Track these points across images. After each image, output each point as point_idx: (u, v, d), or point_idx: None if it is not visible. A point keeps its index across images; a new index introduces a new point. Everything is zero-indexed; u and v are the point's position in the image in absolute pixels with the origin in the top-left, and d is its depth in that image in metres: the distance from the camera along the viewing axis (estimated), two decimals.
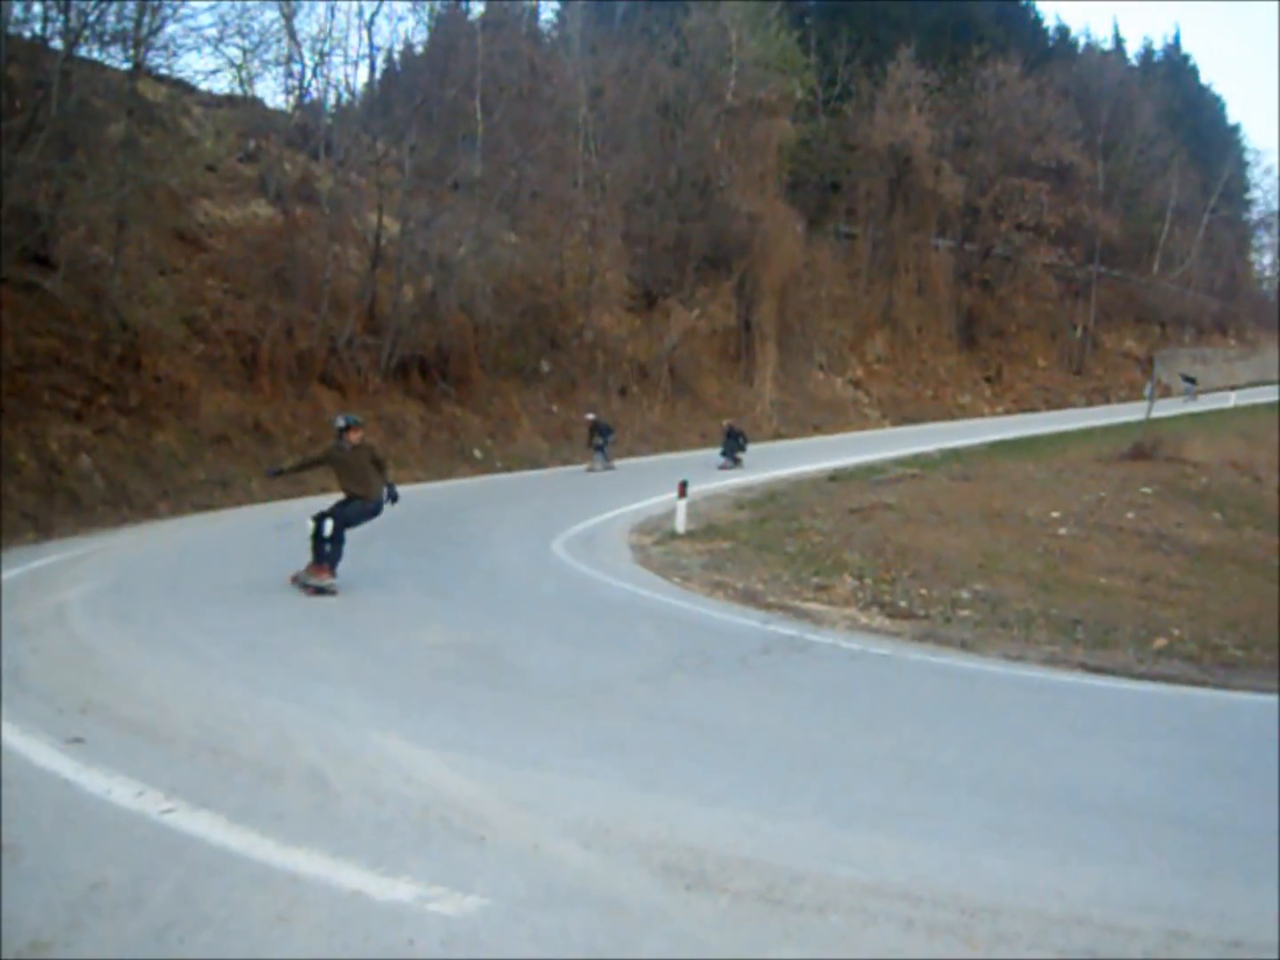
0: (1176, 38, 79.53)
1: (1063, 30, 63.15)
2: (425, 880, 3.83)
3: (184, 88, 23.93)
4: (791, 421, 34.88)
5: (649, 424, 30.17)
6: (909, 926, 3.60)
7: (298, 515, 15.83)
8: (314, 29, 58.03)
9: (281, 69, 27.45)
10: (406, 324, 24.03)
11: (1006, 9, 55.32)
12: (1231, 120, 71.94)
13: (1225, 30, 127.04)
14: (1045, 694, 7.70)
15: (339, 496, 10.52)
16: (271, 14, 25.29)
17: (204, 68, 43.65)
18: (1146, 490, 19.22)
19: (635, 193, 33.40)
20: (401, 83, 33.90)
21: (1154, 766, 5.67)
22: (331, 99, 30.36)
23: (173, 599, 9.60)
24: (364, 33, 40.71)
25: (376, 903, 3.68)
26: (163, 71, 21.24)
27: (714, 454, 24.67)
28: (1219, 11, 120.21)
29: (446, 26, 33.50)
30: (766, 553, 13.51)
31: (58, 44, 17.24)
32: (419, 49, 36.74)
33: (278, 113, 28.01)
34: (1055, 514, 16.52)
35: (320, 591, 9.72)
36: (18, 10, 17.12)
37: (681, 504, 15.44)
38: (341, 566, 10.09)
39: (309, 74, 27.96)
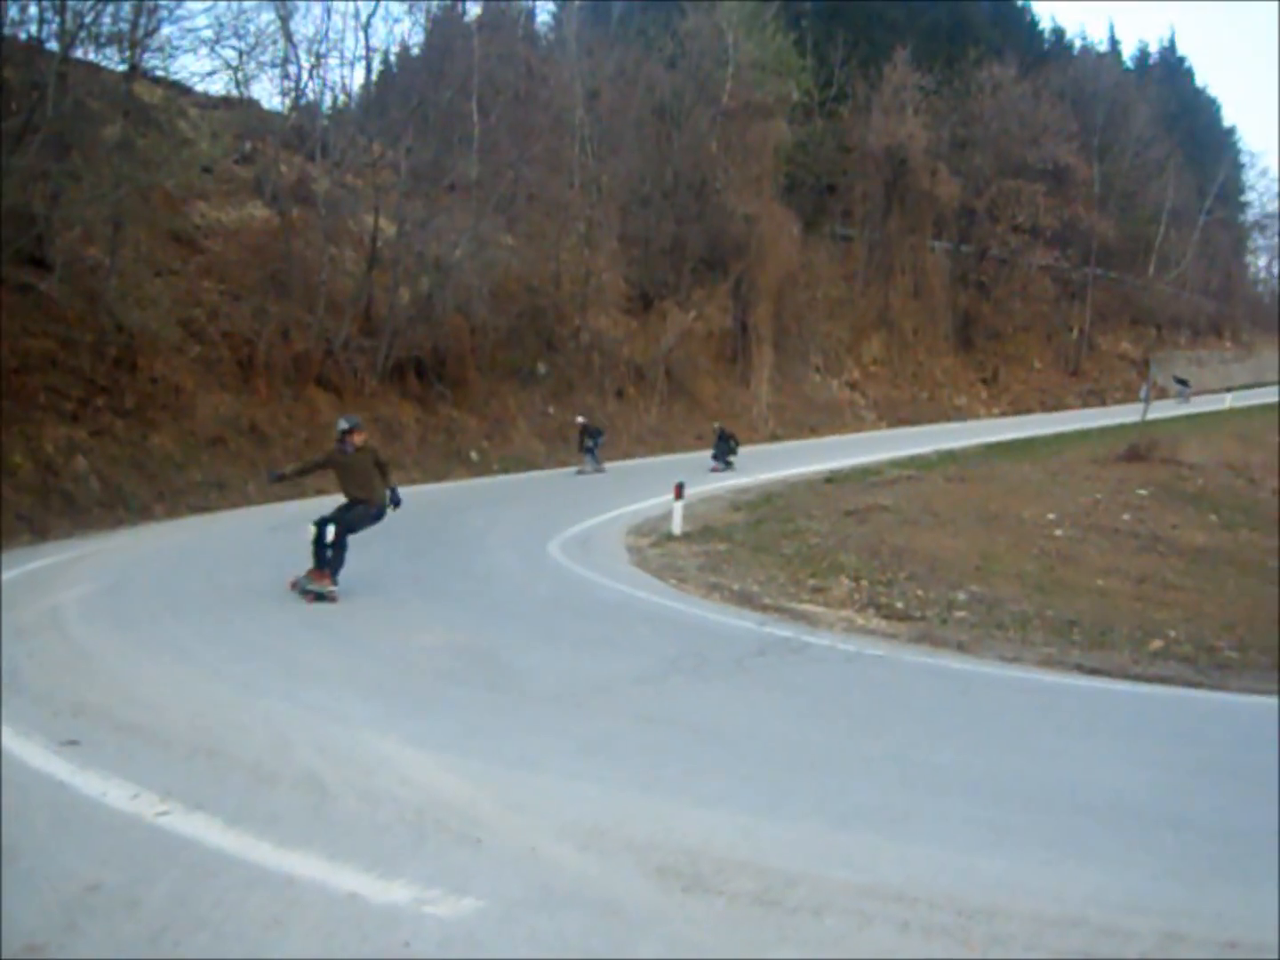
0: (1172, 40, 79.71)
1: (1058, 32, 63.45)
2: (421, 882, 3.83)
3: (180, 89, 23.92)
4: (788, 423, 34.91)
5: (645, 426, 30.19)
6: (905, 928, 3.59)
7: (294, 517, 15.86)
8: (310, 30, 58.15)
9: (278, 71, 27.52)
10: (403, 326, 24.04)
11: (1002, 11, 55.53)
12: (1227, 123, 72.26)
13: (1221, 32, 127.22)
14: (1041, 695, 7.70)
15: (336, 499, 10.49)
16: (268, 15, 25.44)
17: (200, 69, 43.68)
18: (1142, 492, 19.24)
19: (631, 195, 33.43)
20: (398, 84, 33.92)
21: (1150, 768, 5.67)
22: (328, 101, 30.47)
23: (169, 601, 9.59)
24: (360, 34, 41.14)
25: (372, 905, 3.68)
26: (159, 73, 21.27)
27: (706, 456, 24.68)
28: (1214, 12, 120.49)
29: (442, 28, 33.54)
30: (763, 554, 13.51)
31: (53, 46, 17.27)
32: (415, 51, 36.79)
33: (274, 114, 28.00)
34: (1051, 516, 16.54)
35: (320, 598, 9.57)
36: (13, 12, 17.14)
37: (678, 506, 15.45)
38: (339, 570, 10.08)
39: (305, 76, 27.97)
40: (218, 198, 24.10)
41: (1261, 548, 16.29)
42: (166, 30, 19.70)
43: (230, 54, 24.23)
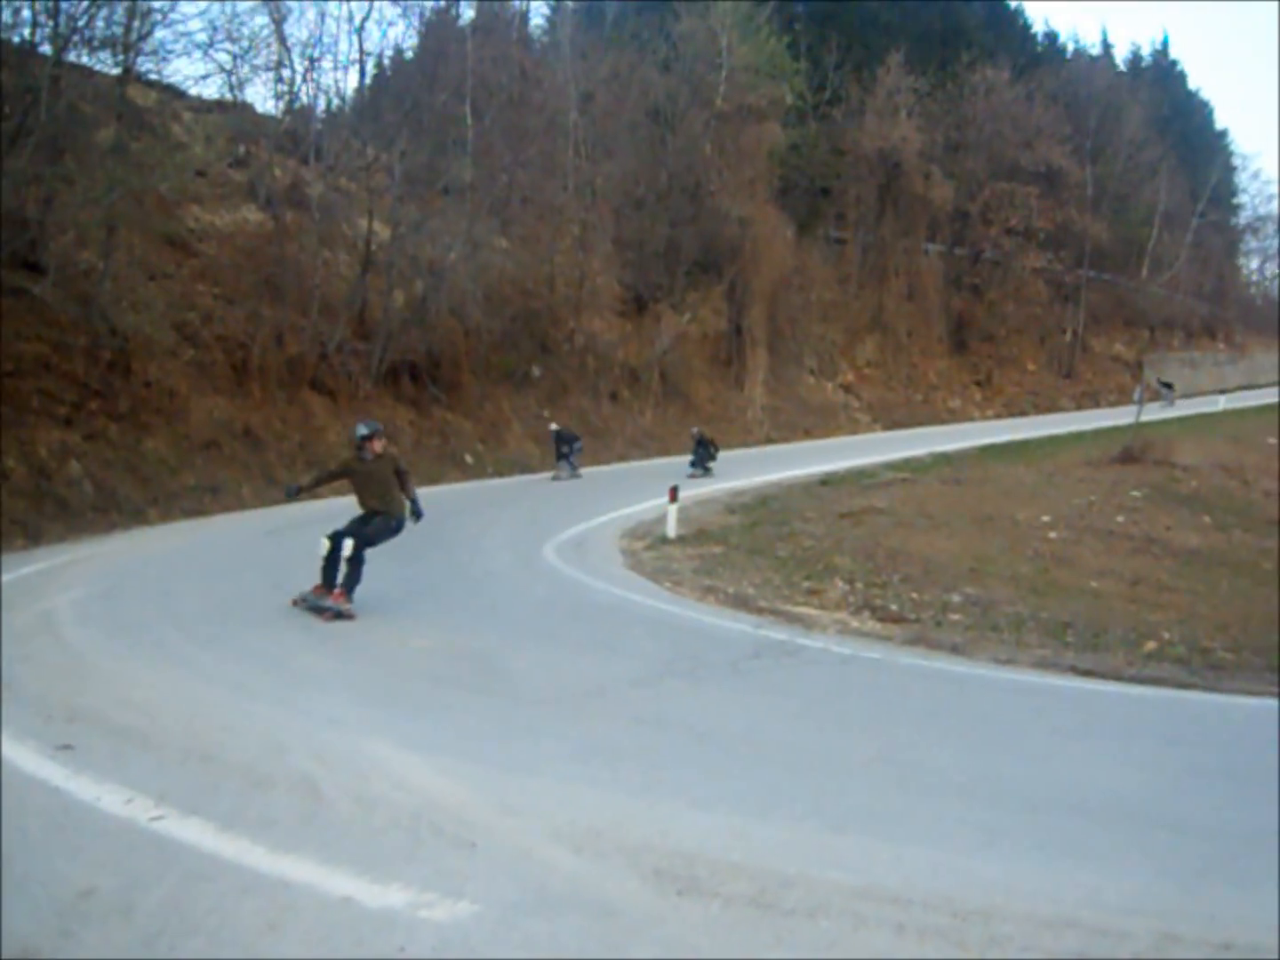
0: (1165, 42, 79.97)
1: (1051, 35, 63.55)
2: (416, 886, 3.82)
3: (174, 93, 23.93)
4: (782, 426, 34.93)
5: (640, 429, 30.20)
6: (900, 930, 3.60)
7: (290, 521, 15.87)
8: (304, 34, 57.67)
9: (271, 74, 27.38)
10: (397, 329, 24.03)
11: (995, 14, 55.59)
12: (1220, 125, 72.43)
13: (1214, 35, 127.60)
14: (1036, 697, 7.72)
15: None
16: (261, 19, 25.36)
17: (194, 73, 43.51)
18: (1136, 494, 19.28)
19: (626, 197, 33.44)
20: (391, 88, 33.89)
21: (1144, 769, 5.68)
22: (322, 104, 30.39)
23: (162, 605, 9.58)
24: (354, 38, 40.90)
25: (367, 909, 3.67)
26: (152, 77, 21.26)
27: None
28: (1207, 15, 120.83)
29: (436, 31, 33.48)
30: (758, 557, 13.51)
31: (47, 49, 17.21)
32: (409, 54, 36.73)
33: (268, 118, 27.95)
34: (1045, 518, 16.56)
35: (338, 616, 8.94)
36: (6, 15, 17.12)
37: (672, 509, 15.45)
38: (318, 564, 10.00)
39: (299, 79, 27.83)
40: (211, 201, 24.07)
41: (1255, 549, 16.33)
42: (160, 34, 19.62)
43: (224, 57, 24.29)
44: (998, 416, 42.32)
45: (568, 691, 6.98)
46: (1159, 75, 64.24)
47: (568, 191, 31.27)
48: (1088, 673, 8.42)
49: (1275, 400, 41.56)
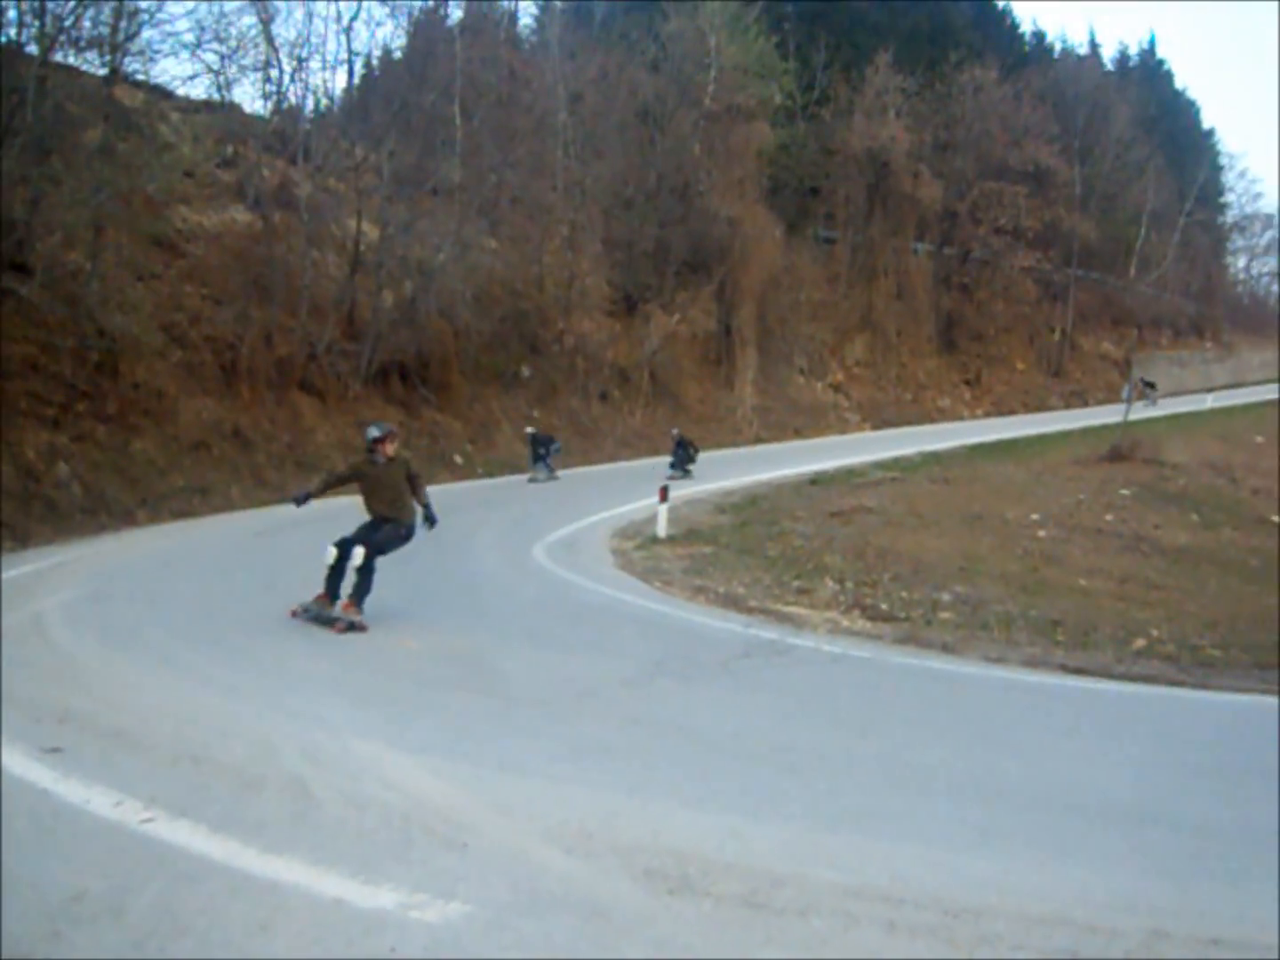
0: (1152, 42, 80.00)
1: (1039, 35, 63.74)
2: (408, 887, 3.82)
3: (161, 93, 23.79)
4: (772, 425, 34.96)
5: (630, 429, 30.19)
6: (891, 929, 3.61)
7: (279, 522, 15.84)
8: (292, 34, 57.74)
9: (259, 74, 27.29)
10: (386, 330, 23.99)
11: (983, 14, 55.66)
12: (1206, 124, 72.69)
13: (1200, 34, 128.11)
14: (1026, 695, 7.74)
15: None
16: (249, 19, 25.24)
17: (181, 73, 43.52)
18: (1125, 492, 19.37)
19: (615, 198, 33.42)
20: (380, 88, 33.79)
21: (1134, 767, 5.70)
22: (310, 104, 30.23)
23: (152, 607, 9.55)
24: (342, 38, 40.49)
25: (359, 910, 3.67)
26: (139, 77, 21.13)
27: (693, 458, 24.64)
28: (1193, 12, 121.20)
29: (425, 31, 33.42)
30: (748, 556, 13.53)
31: (33, 49, 17.14)
32: (397, 54, 36.64)
33: (256, 118, 27.85)
34: (1035, 516, 16.62)
35: (351, 628, 8.48)
36: None
37: (662, 509, 15.46)
38: (320, 572, 9.95)
39: (287, 79, 27.80)
40: (199, 202, 23.99)
41: (1243, 547, 16.42)
42: (147, 34, 19.53)
43: (212, 58, 24.06)
44: (987, 415, 42.45)
45: (559, 692, 6.98)
46: (1146, 75, 64.50)
47: (557, 192, 31.25)
48: (1077, 670, 8.45)
49: (1262, 399, 41.81)
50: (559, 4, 41.03)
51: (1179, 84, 71.91)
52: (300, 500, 9.41)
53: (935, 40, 47.34)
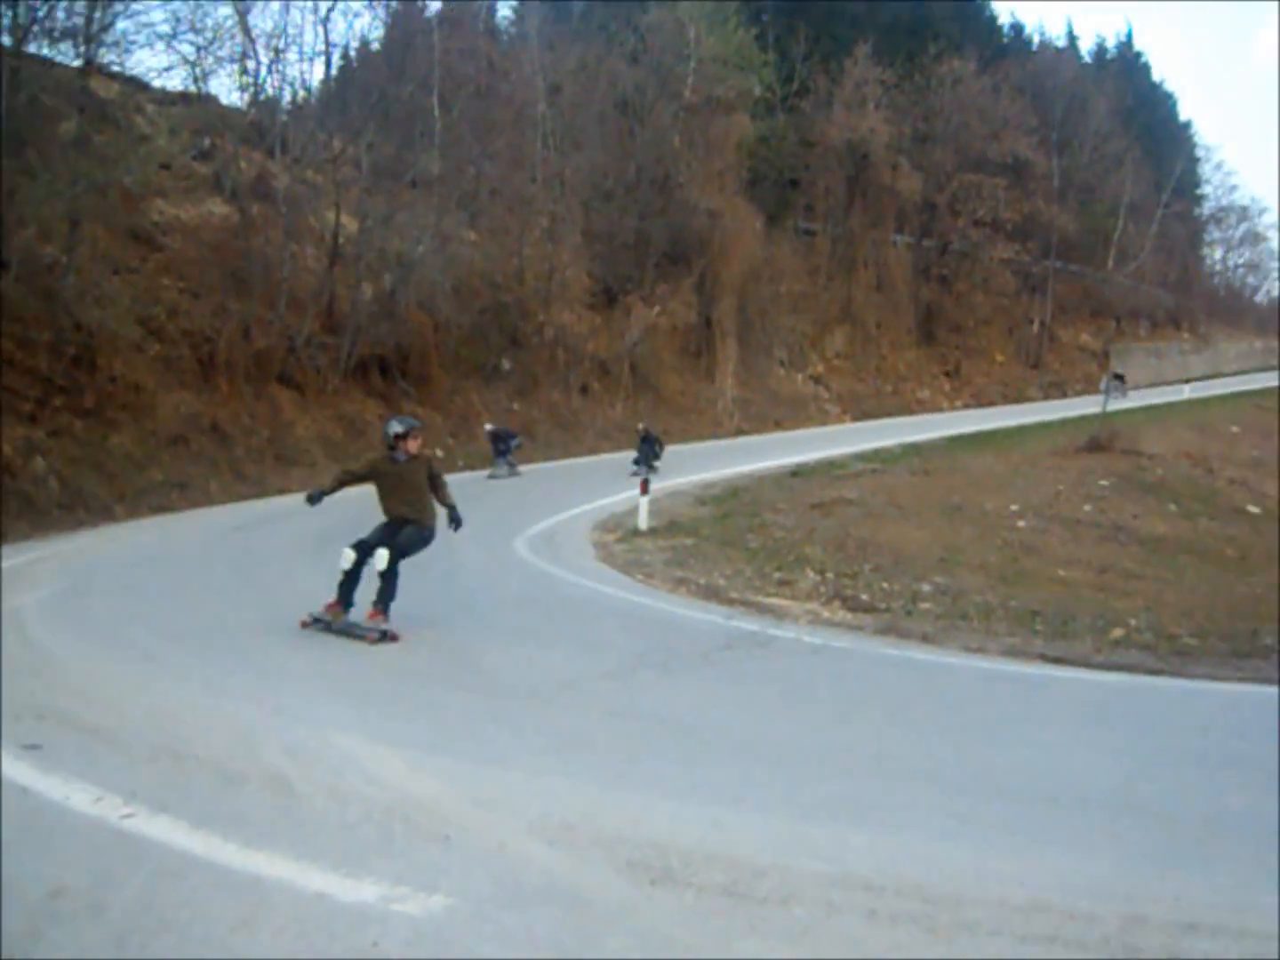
0: (1129, 35, 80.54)
1: (1017, 28, 63.91)
2: (390, 881, 3.81)
3: (137, 85, 23.62)
4: (753, 417, 35.01)
5: (611, 421, 30.17)
6: (872, 916, 3.62)
7: (258, 517, 15.80)
8: (269, 25, 57.45)
9: (236, 66, 27.16)
10: (365, 323, 23.91)
11: (962, 7, 55.73)
12: (1183, 117, 73.09)
13: (1177, 27, 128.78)
14: (1005, 685, 7.79)
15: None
16: (225, 10, 24.84)
17: (157, 64, 43.14)
18: (1103, 482, 19.49)
19: (594, 189, 33.39)
20: (358, 80, 33.59)
21: (1112, 755, 5.74)
22: (287, 96, 30.10)
23: (131, 603, 9.50)
24: (319, 29, 40.21)
25: (341, 904, 3.66)
26: (115, 68, 20.99)
27: (672, 451, 24.61)
28: (1170, 5, 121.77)
29: (403, 23, 33.25)
30: (729, 548, 13.55)
31: (6, 40, 17.02)
32: (375, 45, 36.45)
33: (233, 110, 27.72)
34: (1014, 507, 16.71)
35: (384, 637, 7.95)
36: None
37: (643, 501, 15.47)
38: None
39: (264, 71, 27.62)
40: (176, 194, 23.85)
41: (1219, 536, 16.56)
42: (122, 24, 19.41)
43: (187, 49, 23.99)
44: (966, 407, 42.61)
45: (540, 685, 6.98)
46: (1124, 67, 64.71)
47: (536, 184, 31.20)
48: (1056, 660, 8.50)
49: (1238, 389, 42.15)
50: None
51: (1156, 76, 72.40)
52: (314, 499, 8.73)
53: (914, 32, 47.43)
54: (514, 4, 46.66)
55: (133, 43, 23.74)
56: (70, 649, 7.61)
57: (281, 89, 29.56)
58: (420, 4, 35.64)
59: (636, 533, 14.88)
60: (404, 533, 8.38)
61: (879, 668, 8.17)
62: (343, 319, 23.86)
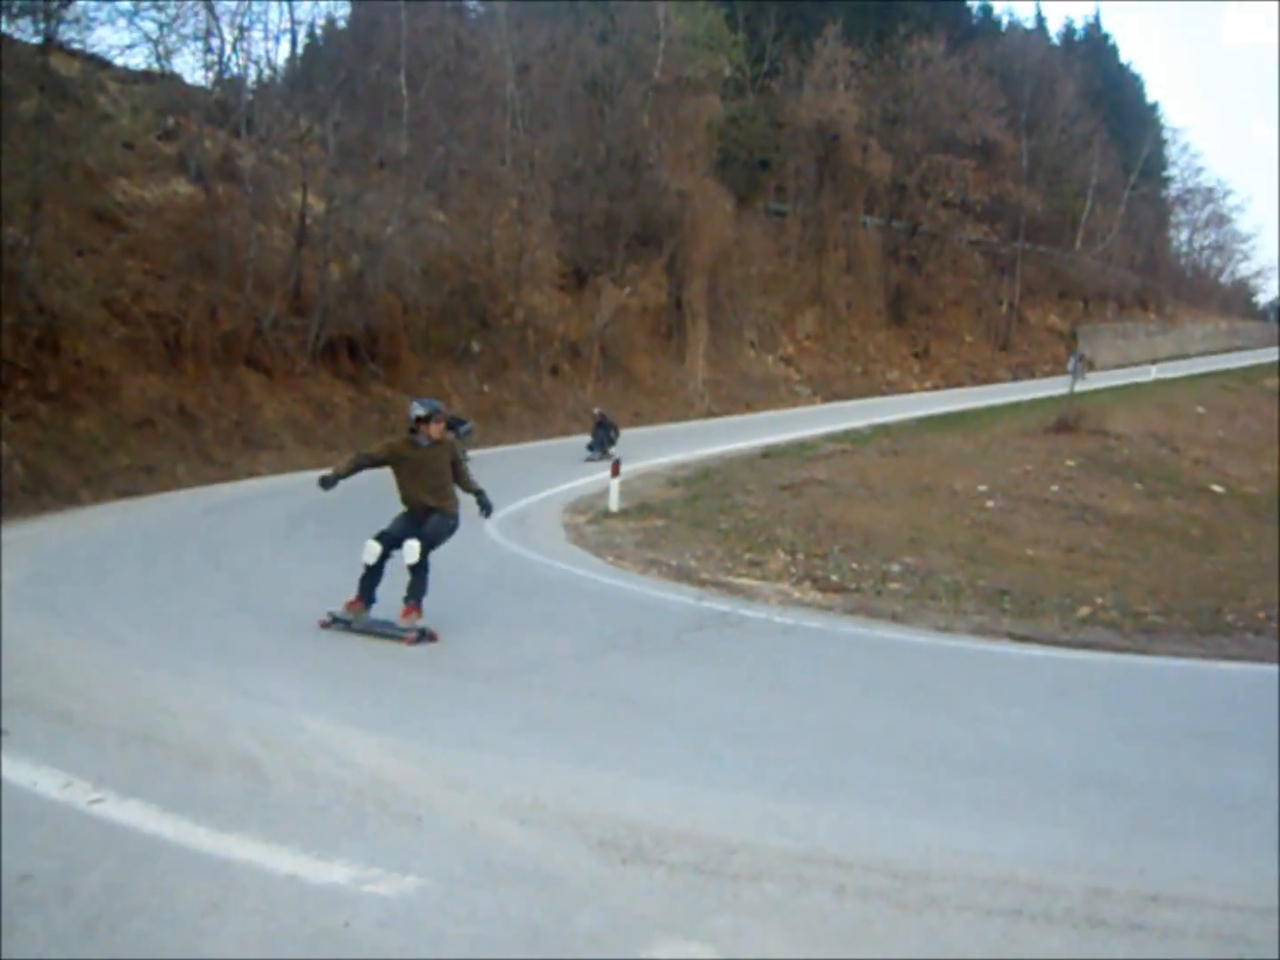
0: (1097, 17, 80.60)
1: (986, 9, 63.92)
2: (362, 862, 3.82)
3: (98, 63, 23.23)
4: (724, 399, 35.05)
5: (581, 403, 30.11)
6: (841, 892, 3.66)
7: (227, 500, 15.67)
8: (232, 2, 56.58)
9: (200, 44, 26.80)
10: (333, 304, 23.72)
11: None
12: (1150, 99, 73.50)
13: (1144, 9, 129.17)
14: (973, 663, 7.87)
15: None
16: None
17: (119, 42, 42.48)
18: (1071, 463, 19.64)
19: (564, 170, 33.25)
20: (324, 58, 33.23)
21: (1077, 731, 5.82)
22: (252, 75, 29.72)
23: (98, 587, 9.42)
24: (285, 6, 39.74)
25: (312, 886, 3.66)
26: (75, 46, 20.61)
27: (643, 432, 24.58)
28: None
29: (369, 0, 32.93)
30: (700, 530, 13.59)
31: None
32: (342, 23, 36.10)
33: (197, 89, 27.37)
34: (982, 487, 16.82)
35: (423, 636, 7.56)
36: None
37: (614, 483, 15.48)
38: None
39: (228, 49, 27.28)
40: (140, 174, 23.52)
41: (1184, 515, 16.74)
42: (82, 1, 19.10)
43: (150, 26, 23.59)
44: (936, 388, 42.82)
45: (512, 666, 6.99)
46: (1092, 49, 64.96)
47: (506, 164, 31.04)
48: (1024, 638, 8.61)
49: (1204, 370, 42.58)
50: None
51: (1124, 58, 72.71)
52: (328, 483, 8.15)
53: (883, 13, 47.37)
54: None
55: (94, 19, 23.50)
56: (36, 634, 7.54)
57: (247, 68, 29.22)
58: None
59: (608, 514, 14.89)
60: (430, 522, 8.02)
61: (849, 647, 8.24)
62: (310, 300, 23.66)
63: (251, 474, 18.64)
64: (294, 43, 33.81)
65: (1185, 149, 70.59)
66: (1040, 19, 68.11)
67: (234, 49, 27.27)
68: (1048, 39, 64.05)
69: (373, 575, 7.88)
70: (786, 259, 42.34)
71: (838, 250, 42.94)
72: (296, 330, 22.98)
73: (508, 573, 11.14)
